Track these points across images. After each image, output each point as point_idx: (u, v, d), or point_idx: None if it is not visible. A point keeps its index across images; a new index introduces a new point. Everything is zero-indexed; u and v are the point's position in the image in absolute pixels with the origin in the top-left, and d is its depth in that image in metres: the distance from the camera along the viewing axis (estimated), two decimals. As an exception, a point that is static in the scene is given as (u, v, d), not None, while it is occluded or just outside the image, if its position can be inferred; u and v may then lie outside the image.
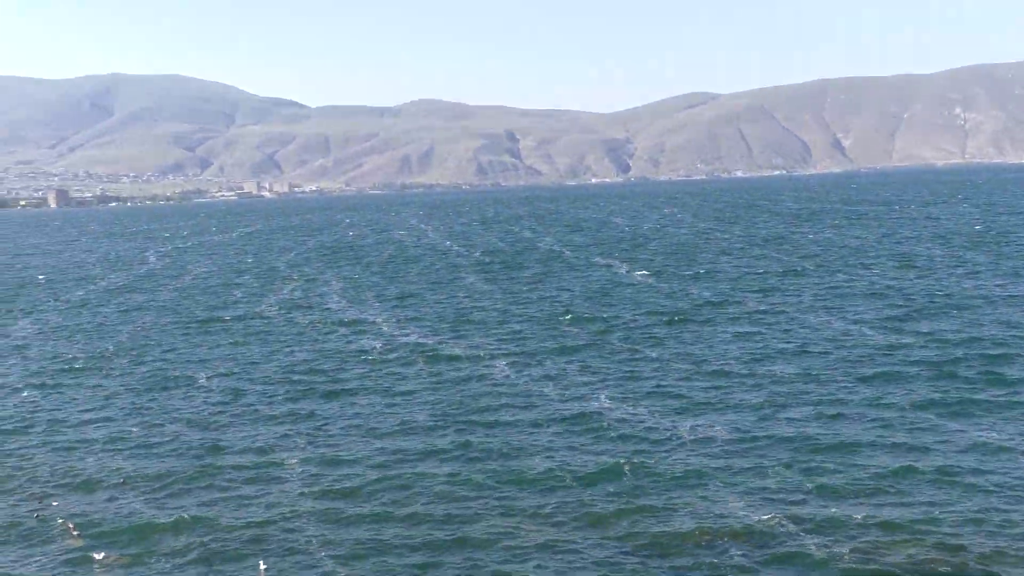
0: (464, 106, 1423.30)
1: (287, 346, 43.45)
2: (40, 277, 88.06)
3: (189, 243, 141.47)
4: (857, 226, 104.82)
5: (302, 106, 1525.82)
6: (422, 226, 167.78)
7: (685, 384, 32.96)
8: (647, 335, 42.41)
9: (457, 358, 38.48)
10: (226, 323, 52.12)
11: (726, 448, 25.77)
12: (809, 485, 22.88)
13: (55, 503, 24.00)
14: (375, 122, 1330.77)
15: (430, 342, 42.50)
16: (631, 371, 34.93)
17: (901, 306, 46.46)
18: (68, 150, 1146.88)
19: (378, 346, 42.22)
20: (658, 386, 32.70)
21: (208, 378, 37.46)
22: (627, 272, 69.44)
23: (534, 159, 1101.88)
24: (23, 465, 27.12)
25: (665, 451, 25.93)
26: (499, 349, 40.18)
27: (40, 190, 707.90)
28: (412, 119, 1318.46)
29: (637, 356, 37.99)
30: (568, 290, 60.65)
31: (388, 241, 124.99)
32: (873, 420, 27.87)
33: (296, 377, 36.60)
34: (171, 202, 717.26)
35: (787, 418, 28.31)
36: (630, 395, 31.78)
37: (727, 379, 33.30)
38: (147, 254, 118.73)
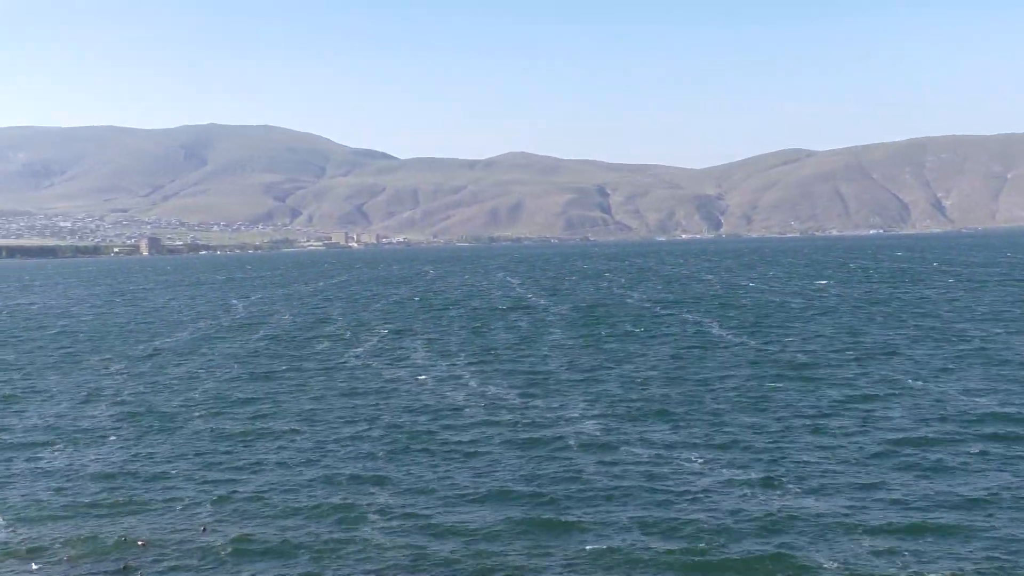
0: (554, 160, 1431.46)
1: (371, 401, 44.24)
2: (124, 323, 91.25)
3: (276, 292, 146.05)
4: (962, 287, 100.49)
5: (392, 158, 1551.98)
6: (509, 279, 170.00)
7: (784, 448, 32.92)
8: (741, 398, 42.04)
9: (543, 418, 38.67)
10: (309, 374, 53.50)
11: (833, 521, 25.27)
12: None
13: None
14: (464, 174, 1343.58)
15: (515, 400, 42.38)
16: (729, 438, 35.17)
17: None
18: (162, 199, 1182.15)
19: (461, 402, 42.10)
20: (747, 448, 32.83)
21: (292, 431, 38.45)
22: (719, 331, 69.03)
23: (623, 214, 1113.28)
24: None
25: (753, 520, 25.47)
26: (588, 410, 40.07)
27: (133, 238, 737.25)
28: (502, 172, 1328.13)
29: (732, 420, 37.50)
30: (659, 347, 60.75)
31: (475, 294, 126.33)
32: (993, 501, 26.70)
33: (377, 433, 37.13)
34: (260, 251, 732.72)
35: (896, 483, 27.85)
36: (721, 459, 31.55)
37: (826, 446, 33.13)
38: (233, 302, 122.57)
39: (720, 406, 39.36)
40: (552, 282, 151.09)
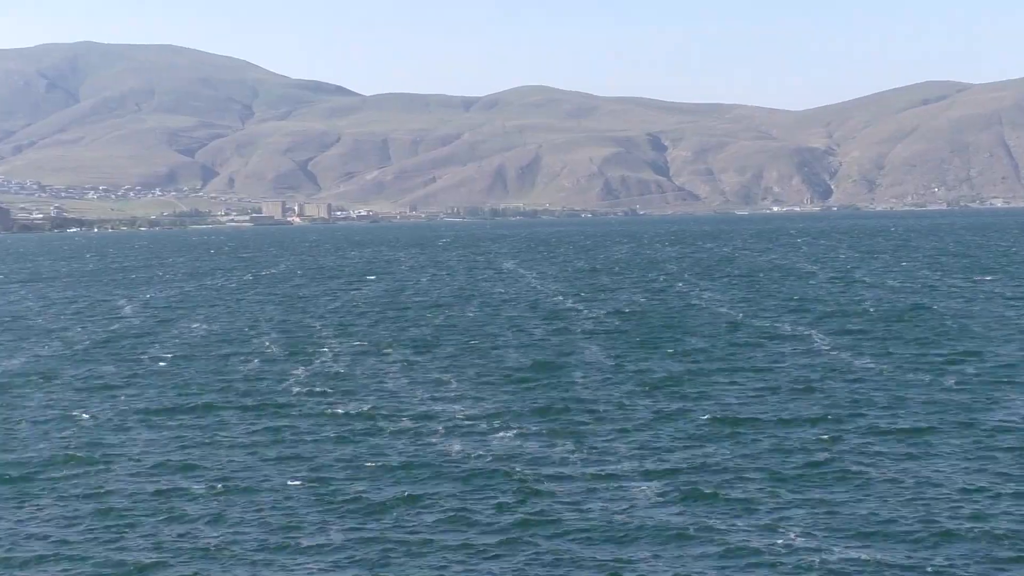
0: (586, 98, 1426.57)
1: (319, 450, 45.58)
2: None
3: (181, 288, 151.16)
4: None
5: (351, 93, 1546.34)
6: (522, 271, 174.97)
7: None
8: (877, 456, 43.52)
9: (574, 481, 40.31)
10: (231, 412, 54.70)
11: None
12: None
13: None
14: (457, 118, 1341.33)
15: (535, 451, 44.13)
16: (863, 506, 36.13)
17: None
18: (12, 151, 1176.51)
19: (456, 456, 43.51)
20: (891, 520, 34.40)
21: (198, 499, 39.10)
22: (835, 353, 70.64)
23: (687, 176, 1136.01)
24: None
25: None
26: (639, 466, 41.93)
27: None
28: (511, 115, 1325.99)
29: (868, 488, 38.99)
30: (744, 377, 62.03)
31: (472, 293, 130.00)
32: None
33: (334, 505, 38.39)
34: (158, 228, 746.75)
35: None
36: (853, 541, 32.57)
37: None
38: (119, 303, 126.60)
39: (846, 467, 42.08)
40: (586, 277, 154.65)
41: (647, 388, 58.89)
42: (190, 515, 36.77)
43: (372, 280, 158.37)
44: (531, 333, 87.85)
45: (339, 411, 54.74)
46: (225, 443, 47.73)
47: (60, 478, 42.63)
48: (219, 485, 40.19)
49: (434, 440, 47.28)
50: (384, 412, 53.96)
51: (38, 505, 38.91)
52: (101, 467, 44.38)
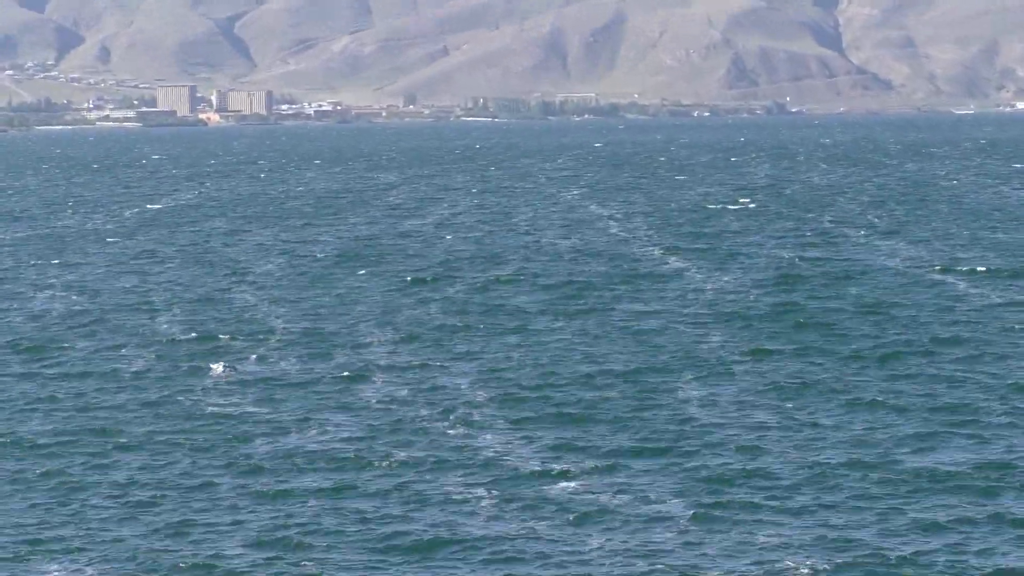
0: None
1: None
2: None
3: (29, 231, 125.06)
4: None
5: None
6: (594, 207, 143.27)
7: None
8: None
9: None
10: (112, 440, 43.18)
11: None
12: None
13: None
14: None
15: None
16: None
17: None
18: None
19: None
20: None
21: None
22: None
23: (871, 50, 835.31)
24: None
25: None
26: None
27: None
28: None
29: None
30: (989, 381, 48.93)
31: (509, 243, 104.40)
32: None
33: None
34: None
35: None
36: None
37: None
38: None
39: None
40: (700, 219, 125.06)
41: (842, 440, 41.99)
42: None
43: (337, 228, 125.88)
44: (609, 316, 68.21)
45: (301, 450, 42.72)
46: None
47: None
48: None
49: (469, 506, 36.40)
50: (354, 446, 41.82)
51: None
52: None
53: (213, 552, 33.54)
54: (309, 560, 32.59)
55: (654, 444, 44.22)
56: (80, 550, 34.06)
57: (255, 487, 39.51)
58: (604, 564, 32.05)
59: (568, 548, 33.58)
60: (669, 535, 34.35)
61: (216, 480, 41.41)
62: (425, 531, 34.84)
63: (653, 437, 45.10)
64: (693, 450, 43.65)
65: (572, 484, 39.74)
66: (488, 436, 45.93)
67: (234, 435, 46.44)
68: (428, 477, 40.39)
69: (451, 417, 48.05)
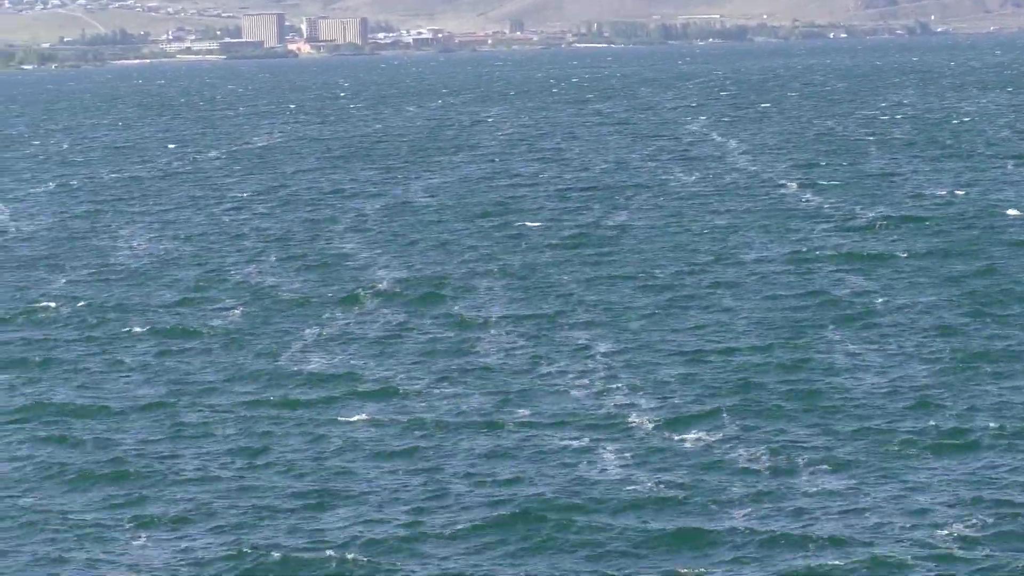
0: None
1: None
2: None
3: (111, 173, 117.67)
4: None
5: None
6: (718, 137, 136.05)
7: None
8: None
9: None
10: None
11: None
12: None
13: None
14: None
15: None
16: None
17: None
18: None
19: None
20: None
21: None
22: None
23: None
24: None
25: None
26: None
27: None
28: None
29: None
30: None
31: (626, 183, 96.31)
32: None
33: None
34: (54, 67, 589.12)
35: None
36: None
37: None
38: None
39: None
40: (836, 151, 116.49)
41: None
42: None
43: (442, 168, 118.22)
44: (738, 256, 63.39)
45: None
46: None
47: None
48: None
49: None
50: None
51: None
52: None
53: (355, 514, 32.12)
54: (449, 518, 31.60)
55: (790, 394, 42.90)
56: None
57: (371, 445, 38.21)
58: (734, 515, 31.38)
59: (699, 499, 32.71)
60: (808, 486, 33.07)
61: (329, 436, 39.64)
62: (553, 487, 33.76)
63: (793, 389, 43.14)
64: (838, 403, 41.10)
65: (701, 436, 38.23)
66: (611, 388, 44.15)
67: (340, 391, 44.56)
68: (550, 432, 39.05)
69: (572, 369, 46.32)
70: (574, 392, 44.79)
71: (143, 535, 32.75)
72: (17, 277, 70.33)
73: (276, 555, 30.64)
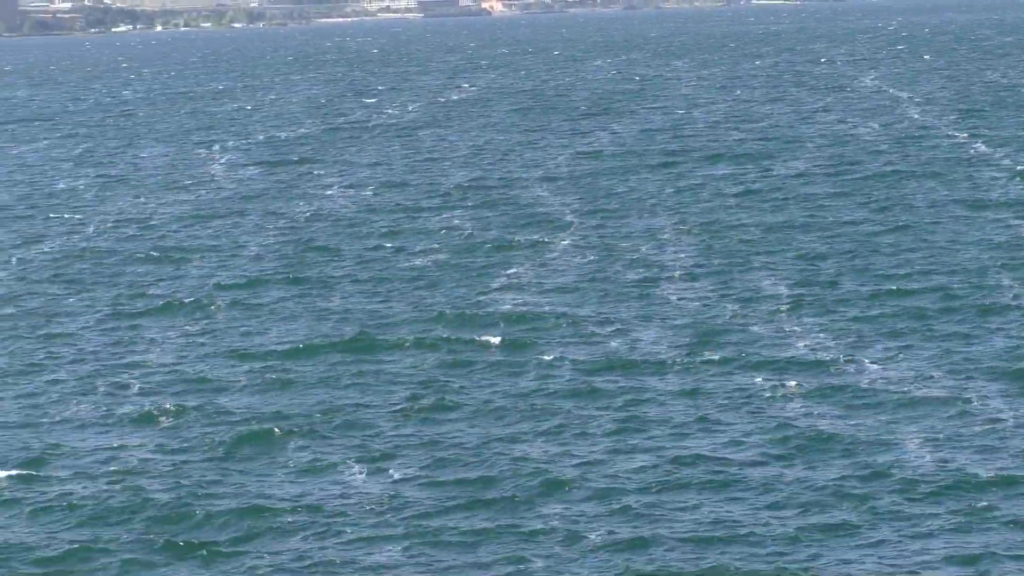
0: None
1: None
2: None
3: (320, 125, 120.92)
4: None
5: None
6: (889, 89, 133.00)
7: None
8: None
9: None
10: None
11: None
12: None
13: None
14: None
15: None
16: None
17: None
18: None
19: None
20: None
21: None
22: None
23: None
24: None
25: None
26: None
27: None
28: None
29: None
30: None
31: (803, 134, 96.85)
32: None
33: None
34: (262, 25, 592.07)
35: None
36: None
37: None
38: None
39: None
40: (1004, 103, 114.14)
41: None
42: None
43: (625, 120, 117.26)
44: (912, 206, 63.24)
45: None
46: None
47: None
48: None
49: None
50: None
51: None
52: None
53: (558, 444, 33.43)
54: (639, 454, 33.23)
55: (973, 338, 43.06)
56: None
57: (565, 384, 38.84)
58: (915, 455, 31.75)
59: (883, 439, 33.28)
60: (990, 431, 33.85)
61: (526, 373, 40.98)
62: (739, 429, 34.43)
63: (982, 344, 42.63)
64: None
65: (887, 377, 38.70)
66: (799, 333, 44.70)
67: (535, 332, 45.63)
68: (737, 376, 39.48)
69: (756, 314, 46.90)
70: (762, 332, 44.51)
71: (358, 468, 33.31)
72: (228, 224, 71.55)
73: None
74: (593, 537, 29.04)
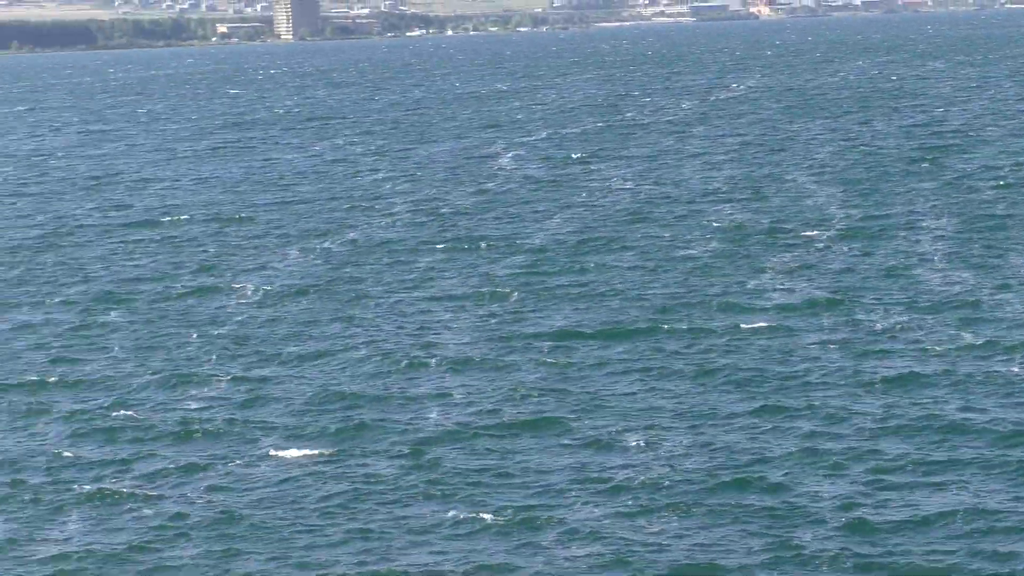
0: None
1: None
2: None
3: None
4: None
5: None
6: None
7: None
8: None
9: None
10: None
11: None
12: None
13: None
14: None
15: None
16: None
17: None
18: None
19: None
20: None
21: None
22: None
23: None
24: None
25: None
26: None
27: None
28: None
29: None
30: None
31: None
32: None
33: None
34: (545, 29, 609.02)
35: None
36: None
37: None
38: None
39: None
40: None
41: None
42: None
43: (888, 117, 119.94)
44: None
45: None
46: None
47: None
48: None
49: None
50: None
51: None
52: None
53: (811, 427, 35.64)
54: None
55: None
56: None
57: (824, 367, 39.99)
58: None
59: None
60: None
61: (794, 350, 42.23)
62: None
63: None
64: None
65: None
66: None
67: (799, 314, 46.48)
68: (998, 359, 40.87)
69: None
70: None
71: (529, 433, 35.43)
72: (513, 213, 74.10)
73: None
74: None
